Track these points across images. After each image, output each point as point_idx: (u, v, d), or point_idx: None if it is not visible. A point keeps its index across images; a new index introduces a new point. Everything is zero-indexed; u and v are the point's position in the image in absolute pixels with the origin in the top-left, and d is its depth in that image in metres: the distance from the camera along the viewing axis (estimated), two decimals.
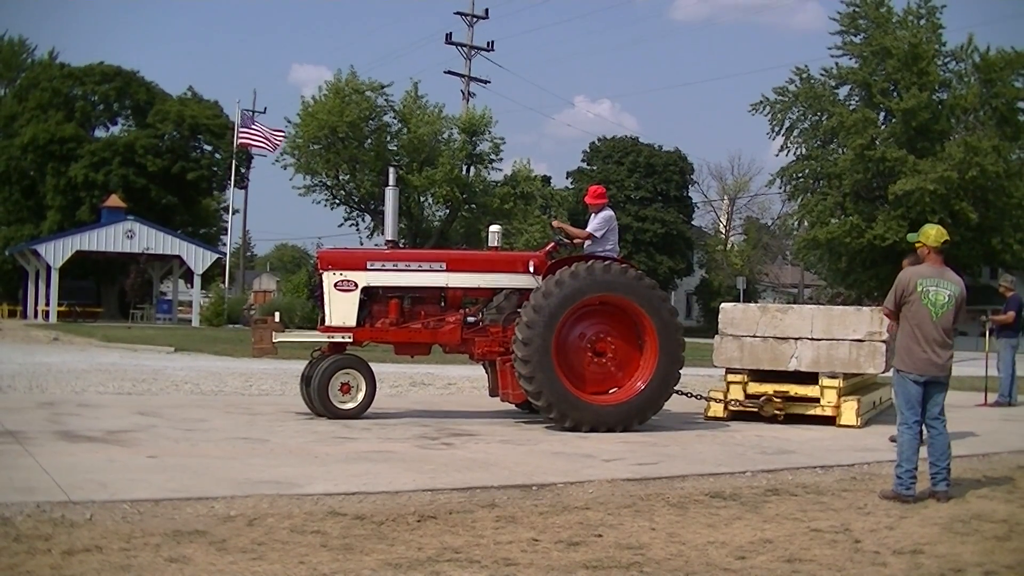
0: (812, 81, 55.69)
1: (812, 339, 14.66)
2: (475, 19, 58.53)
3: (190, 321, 57.25)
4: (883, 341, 14.26)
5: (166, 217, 61.89)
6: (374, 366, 14.12)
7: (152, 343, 33.68)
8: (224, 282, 63.17)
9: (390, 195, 15.24)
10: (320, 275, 14.16)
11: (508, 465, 10.15)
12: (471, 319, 14.34)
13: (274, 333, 14.33)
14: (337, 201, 54.72)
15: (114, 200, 56.49)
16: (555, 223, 15.76)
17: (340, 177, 53.44)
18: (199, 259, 57.10)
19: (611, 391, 13.71)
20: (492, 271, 14.48)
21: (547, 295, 13.11)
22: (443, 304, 14.47)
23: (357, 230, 54.76)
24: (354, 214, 54.86)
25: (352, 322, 13.95)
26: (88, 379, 18.96)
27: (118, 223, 54.77)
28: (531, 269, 14.17)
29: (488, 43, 59.21)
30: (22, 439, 10.54)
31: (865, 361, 14.47)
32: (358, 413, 13.68)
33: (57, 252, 53.76)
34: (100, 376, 19.74)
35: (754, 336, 14.96)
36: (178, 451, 10.26)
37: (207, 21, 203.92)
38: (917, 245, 9.64)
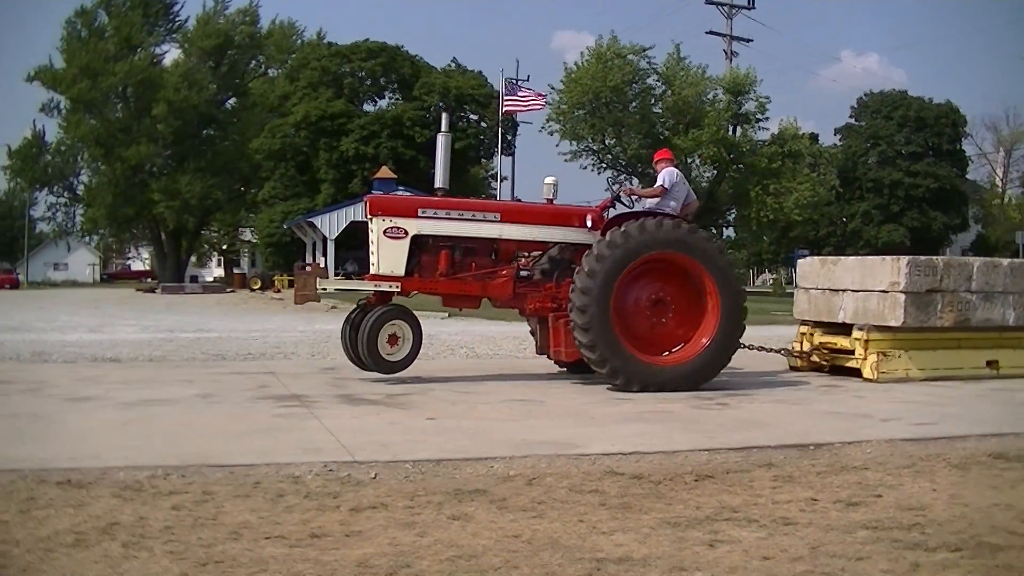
0: None
1: (852, 291, 14.50)
2: None
3: None
4: (903, 291, 13.78)
5: None
6: None
7: (425, 309, 34.54)
8: None
9: (441, 141, 14.61)
10: (370, 221, 13.44)
11: (783, 425, 9.92)
12: (524, 273, 13.79)
13: (318, 280, 14.43)
14: (604, 165, 54.90)
15: (384, 172, 58.30)
16: (626, 189, 15.00)
17: (606, 141, 53.52)
18: None
19: (675, 350, 13.09)
20: (547, 224, 13.77)
21: (600, 258, 12.44)
22: (495, 256, 13.80)
23: None
24: (621, 177, 54.85)
25: (401, 271, 13.22)
26: None
27: (390, 194, 56.43)
28: (588, 224, 13.58)
29: (749, 1, 58.16)
30: (307, 402, 10.93)
31: (888, 312, 13.95)
32: (405, 365, 13.05)
33: (332, 224, 56.04)
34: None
35: (816, 288, 15.11)
36: (456, 413, 10.42)
37: None
38: None
